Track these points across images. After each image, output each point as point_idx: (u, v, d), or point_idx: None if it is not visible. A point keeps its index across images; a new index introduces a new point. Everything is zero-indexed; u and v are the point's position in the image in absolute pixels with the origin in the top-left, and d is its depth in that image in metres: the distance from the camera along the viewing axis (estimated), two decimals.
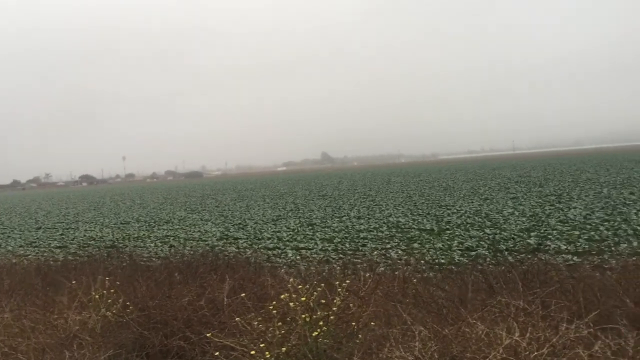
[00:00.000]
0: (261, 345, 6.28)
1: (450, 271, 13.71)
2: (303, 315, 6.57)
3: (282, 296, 7.13)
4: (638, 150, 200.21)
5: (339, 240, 22.42)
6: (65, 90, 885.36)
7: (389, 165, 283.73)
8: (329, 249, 20.45)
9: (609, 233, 18.91)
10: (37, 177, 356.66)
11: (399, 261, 16.39)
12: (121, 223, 39.32)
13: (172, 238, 27.57)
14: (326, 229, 26.33)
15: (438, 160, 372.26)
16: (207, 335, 6.91)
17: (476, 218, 26.25)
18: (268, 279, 10.42)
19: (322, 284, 7.64)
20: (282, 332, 6.49)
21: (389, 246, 19.89)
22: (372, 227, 25.93)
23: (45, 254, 24.04)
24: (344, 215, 32.37)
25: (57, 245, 28.08)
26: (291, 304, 6.85)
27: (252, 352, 6.19)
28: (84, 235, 31.99)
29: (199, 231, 29.93)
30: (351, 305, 7.41)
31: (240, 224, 32.33)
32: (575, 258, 15.35)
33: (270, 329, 6.54)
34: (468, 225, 24.01)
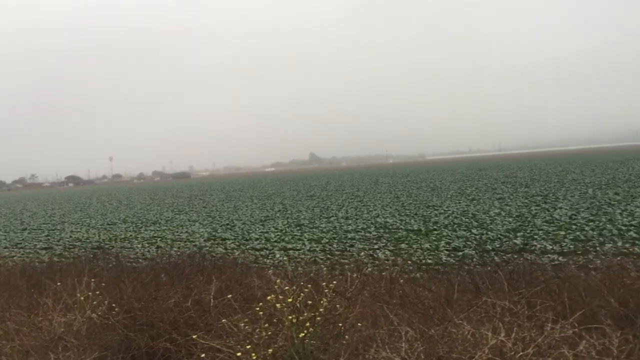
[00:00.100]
0: (248, 346, 6.25)
1: (437, 271, 13.78)
2: (290, 317, 6.55)
3: (268, 297, 7.10)
4: (623, 151, 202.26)
5: (327, 240, 22.42)
6: (51, 90, 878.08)
7: (377, 166, 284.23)
8: (317, 249, 20.44)
9: (594, 233, 19.08)
10: (22, 178, 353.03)
11: (386, 262, 16.41)
12: (108, 224, 39.06)
13: (159, 239, 27.43)
14: (314, 230, 26.33)
15: (426, 161, 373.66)
16: (194, 336, 6.87)
17: (463, 218, 26.37)
18: (255, 280, 10.40)
19: (309, 285, 7.63)
20: (269, 333, 6.47)
21: (376, 247, 19.93)
22: (360, 227, 25.97)
23: (30, 256, 23.82)
24: (332, 216, 32.38)
25: (43, 246, 27.84)
26: (278, 305, 6.83)
27: (239, 354, 6.16)
28: (70, 237, 31.74)
29: (186, 232, 29.80)
30: (338, 306, 7.40)
31: (228, 224, 32.24)
32: (560, 258, 15.47)
33: (257, 330, 6.51)
34: (455, 225, 24.11)
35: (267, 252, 20.72)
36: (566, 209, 26.93)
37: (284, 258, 18.85)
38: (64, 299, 8.74)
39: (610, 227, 20.02)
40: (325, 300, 7.03)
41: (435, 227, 24.12)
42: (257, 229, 28.41)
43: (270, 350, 6.22)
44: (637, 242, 16.95)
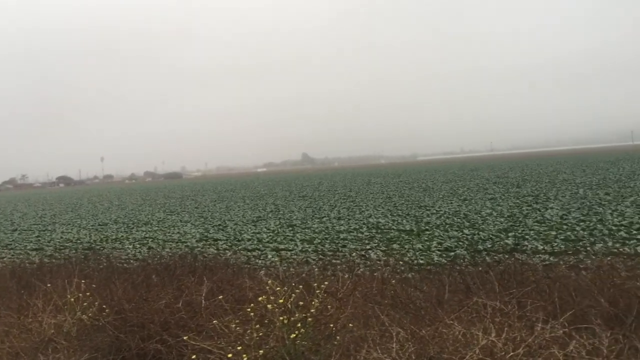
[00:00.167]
0: (239, 347, 6.24)
1: (429, 272, 13.80)
2: (281, 318, 6.54)
3: (260, 298, 7.09)
4: (613, 151, 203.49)
5: (319, 241, 22.42)
6: (43, 90, 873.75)
7: (369, 166, 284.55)
8: (309, 250, 20.44)
9: (585, 233, 19.18)
10: (13, 178, 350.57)
11: (378, 262, 16.43)
12: (99, 225, 38.89)
13: (150, 240, 27.33)
14: (306, 230, 26.32)
15: (418, 161, 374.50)
16: (184, 338, 6.85)
17: (455, 219, 26.43)
18: (247, 280, 10.36)
19: (301, 286, 7.63)
20: (260, 334, 6.46)
21: (368, 247, 19.94)
22: (352, 228, 25.98)
23: (20, 257, 23.67)
24: (324, 216, 32.39)
25: (33, 247, 27.67)
26: (269, 306, 6.82)
27: (230, 355, 6.14)
28: (61, 237, 31.57)
29: (178, 233, 29.72)
30: (329, 306, 7.40)
31: (220, 225, 32.18)
32: (551, 258, 15.54)
33: (248, 331, 6.50)
34: (447, 225, 24.17)
35: (259, 252, 20.69)
36: (557, 209, 27.06)
37: (276, 259, 18.83)
38: (54, 301, 8.70)
39: (601, 227, 20.14)
40: (316, 301, 7.02)
41: (427, 227, 24.17)
42: (249, 230, 28.37)
43: (262, 352, 6.21)
44: (627, 242, 17.05)
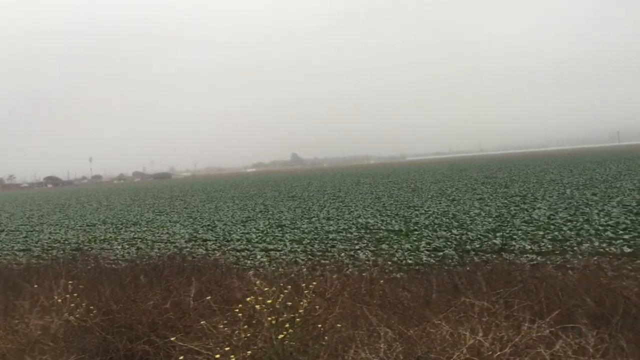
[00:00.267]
0: (226, 348, 6.23)
1: (417, 272, 13.86)
2: (269, 318, 6.54)
3: (248, 299, 7.09)
4: (600, 151, 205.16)
5: (308, 241, 22.42)
6: (29, 89, 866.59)
7: (358, 167, 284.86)
8: (298, 250, 20.43)
9: (572, 233, 19.32)
10: (0, 179, 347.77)
11: (367, 262, 16.46)
12: (87, 225, 38.65)
13: (139, 240, 27.20)
14: (295, 230, 26.31)
15: (407, 162, 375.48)
16: (172, 339, 6.84)
17: (444, 219, 26.54)
18: (235, 281, 10.37)
19: (289, 286, 7.64)
20: (248, 335, 6.46)
21: (357, 247, 19.97)
22: (341, 228, 26.01)
23: (7, 257, 23.47)
24: (314, 217, 32.39)
25: (20, 248, 27.44)
26: (257, 306, 6.82)
27: (218, 356, 6.14)
28: (49, 238, 31.33)
29: (167, 233, 29.60)
30: (317, 307, 7.41)
31: (209, 225, 32.08)
32: (539, 258, 15.63)
33: (236, 332, 6.49)
34: (436, 226, 24.26)
35: (248, 253, 20.66)
36: (545, 209, 27.24)
37: (264, 259, 18.81)
38: (41, 302, 8.64)
39: (588, 227, 20.30)
40: (305, 301, 7.03)
41: (416, 227, 24.25)
42: (239, 230, 28.32)
43: (249, 352, 6.21)
44: (613, 242, 17.20)
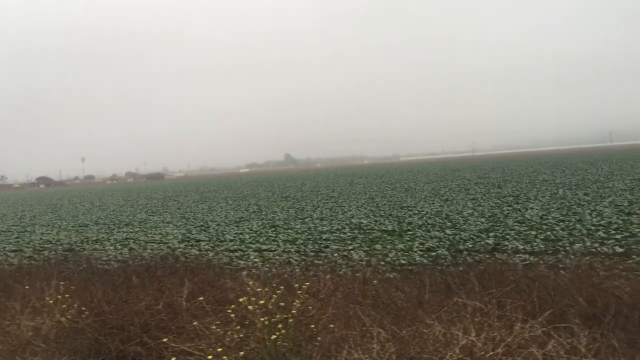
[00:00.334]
0: (219, 349, 6.21)
1: (410, 272, 13.86)
2: (262, 319, 6.53)
3: (241, 299, 7.07)
4: (593, 152, 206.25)
5: (302, 241, 22.39)
6: (21, 90, 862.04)
7: (352, 167, 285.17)
8: (292, 250, 20.40)
9: (564, 233, 19.38)
10: None
11: (360, 262, 16.47)
12: (79, 226, 38.47)
13: (132, 241, 27.09)
14: (289, 231, 26.28)
15: (400, 162, 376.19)
16: (164, 340, 6.81)
17: (437, 219, 26.58)
18: (228, 281, 10.33)
19: (282, 287, 7.63)
20: (241, 335, 6.44)
21: (351, 247, 19.96)
22: (334, 228, 26.00)
23: None
24: (307, 217, 32.37)
25: (12, 249, 27.27)
26: (250, 307, 6.80)
27: (210, 357, 6.12)
28: (41, 239, 31.16)
29: (160, 234, 29.50)
30: (310, 307, 7.40)
31: (202, 226, 32.01)
32: (531, 258, 15.67)
33: (229, 332, 6.47)
34: (429, 226, 24.29)
35: (242, 253, 20.61)
36: (537, 209, 27.33)
37: (257, 260, 18.77)
38: (32, 303, 8.60)
39: (580, 227, 20.38)
40: (297, 301, 7.02)
41: (409, 227, 24.27)
42: (232, 230, 28.26)
43: (242, 353, 6.20)
44: (605, 241, 17.26)
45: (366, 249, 19.46)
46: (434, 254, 17.56)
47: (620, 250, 15.83)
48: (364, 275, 11.46)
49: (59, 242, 28.83)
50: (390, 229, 24.33)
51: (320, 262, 17.04)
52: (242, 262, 18.50)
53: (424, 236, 21.34)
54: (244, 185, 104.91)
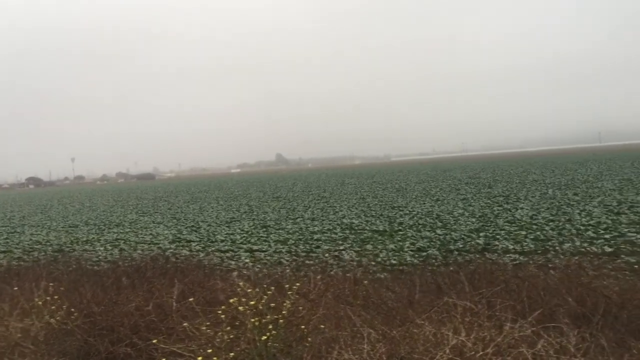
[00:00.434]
0: (209, 350, 6.19)
1: (401, 272, 13.89)
2: (252, 319, 6.50)
3: (231, 300, 7.04)
4: (582, 152, 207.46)
5: (293, 242, 22.38)
6: (9, 90, 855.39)
7: (343, 167, 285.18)
8: (283, 250, 20.38)
9: (554, 233, 19.49)
10: None
11: (351, 263, 16.48)
12: (69, 226, 38.24)
13: (122, 241, 26.97)
14: (280, 231, 26.26)
15: (391, 162, 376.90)
16: (154, 341, 6.78)
17: (428, 219, 26.64)
18: (218, 282, 10.31)
19: (273, 287, 7.61)
20: (231, 336, 6.42)
21: (342, 248, 19.97)
22: (325, 228, 26.00)
23: None
24: (298, 217, 32.35)
25: (1, 250, 27.07)
26: (240, 308, 6.77)
27: (200, 358, 6.09)
28: (30, 240, 30.95)
29: (150, 234, 29.38)
30: (301, 308, 7.38)
31: (193, 226, 31.91)
32: (521, 257, 15.75)
33: (219, 333, 6.45)
34: (420, 226, 24.35)
35: (233, 254, 20.57)
36: (527, 209, 27.47)
37: (248, 260, 18.74)
38: (21, 304, 8.53)
39: (569, 227, 20.50)
40: (288, 302, 7.00)
41: (400, 227, 24.32)
42: (223, 231, 28.20)
43: (232, 354, 6.17)
44: (594, 241, 17.38)
45: (357, 249, 19.48)
46: (424, 254, 17.60)
47: (609, 250, 15.94)
48: (354, 275, 11.47)
49: (48, 243, 28.64)
50: (381, 229, 24.36)
51: (311, 262, 17.04)
52: (233, 262, 18.45)
53: (414, 236, 21.38)
54: (235, 185, 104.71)
